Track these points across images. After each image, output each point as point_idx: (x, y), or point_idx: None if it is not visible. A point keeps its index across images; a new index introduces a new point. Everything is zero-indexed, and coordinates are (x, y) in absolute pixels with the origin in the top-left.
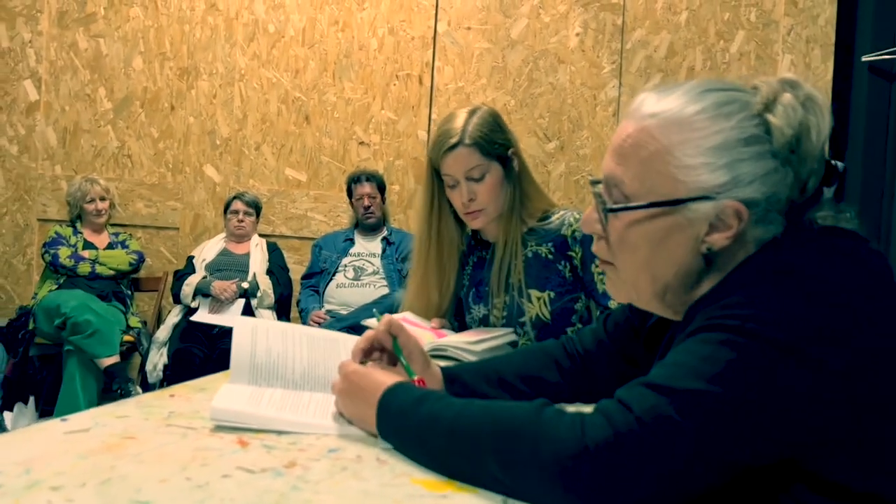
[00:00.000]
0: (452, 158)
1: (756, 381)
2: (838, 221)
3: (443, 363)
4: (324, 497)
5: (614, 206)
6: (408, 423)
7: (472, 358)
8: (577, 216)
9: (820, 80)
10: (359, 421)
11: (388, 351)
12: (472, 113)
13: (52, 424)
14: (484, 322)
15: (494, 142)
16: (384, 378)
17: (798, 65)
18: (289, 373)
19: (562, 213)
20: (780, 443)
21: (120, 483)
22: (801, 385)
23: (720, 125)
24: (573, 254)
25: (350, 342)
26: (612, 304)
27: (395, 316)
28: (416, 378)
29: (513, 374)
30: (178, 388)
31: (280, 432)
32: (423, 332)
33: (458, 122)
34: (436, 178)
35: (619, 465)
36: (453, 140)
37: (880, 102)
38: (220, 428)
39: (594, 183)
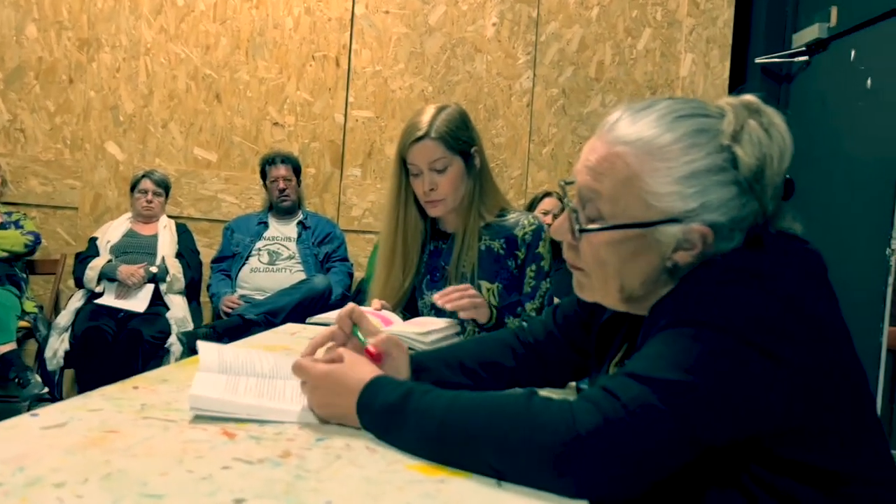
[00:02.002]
0: (418, 150)
1: (726, 371)
2: (783, 224)
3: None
4: (328, 485)
5: (589, 228)
6: (396, 418)
7: (424, 348)
8: (532, 220)
9: (718, 79)
10: (338, 419)
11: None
12: (440, 109)
13: (24, 420)
14: (436, 308)
15: (459, 138)
16: (358, 375)
17: (699, 63)
18: (258, 367)
19: (518, 214)
20: (746, 425)
21: (122, 477)
22: (764, 374)
23: (691, 156)
24: (519, 254)
25: None
26: (529, 307)
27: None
28: (368, 346)
29: (472, 360)
30: (139, 380)
31: (262, 422)
32: (372, 319)
33: (427, 116)
34: (403, 168)
35: (608, 449)
36: (420, 133)
37: (771, 102)
38: (199, 419)
39: (567, 184)
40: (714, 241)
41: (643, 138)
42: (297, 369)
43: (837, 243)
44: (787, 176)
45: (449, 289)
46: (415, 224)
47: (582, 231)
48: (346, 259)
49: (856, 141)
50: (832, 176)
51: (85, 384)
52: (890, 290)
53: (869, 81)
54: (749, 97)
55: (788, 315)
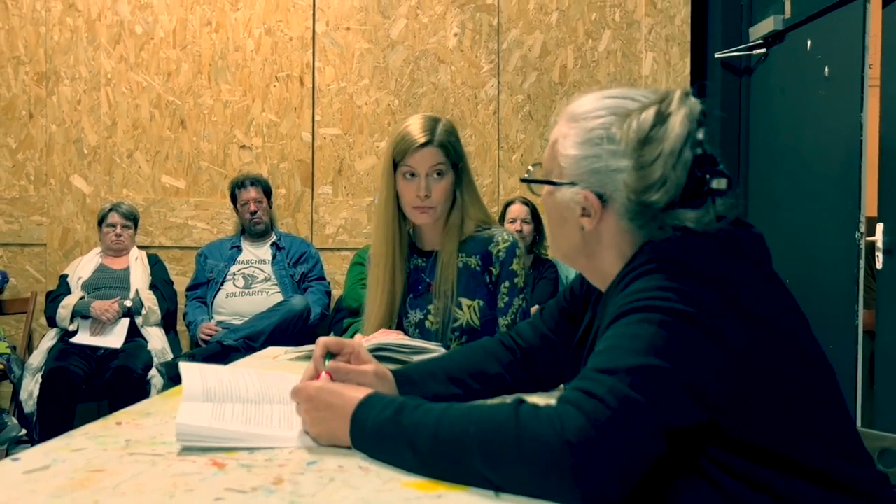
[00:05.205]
0: (421, 154)
1: (678, 348)
2: (725, 209)
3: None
4: None
5: (524, 177)
6: (388, 434)
7: (411, 356)
8: (507, 237)
9: (679, 75)
10: (329, 438)
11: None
12: (436, 120)
13: (5, 465)
14: (420, 326)
15: (456, 149)
16: (352, 392)
17: (659, 62)
18: (243, 392)
19: (495, 229)
20: (703, 402)
21: None
22: (711, 351)
23: (594, 123)
24: (493, 270)
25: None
26: (502, 323)
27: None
28: (325, 371)
29: (459, 370)
30: (122, 416)
31: (252, 450)
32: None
33: (427, 123)
34: (392, 179)
35: (599, 448)
36: (424, 139)
37: (732, 94)
38: (187, 451)
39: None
40: (618, 216)
41: (572, 107)
42: (293, 393)
43: (808, 230)
44: (728, 174)
45: (378, 332)
46: (402, 236)
47: (522, 180)
48: (322, 278)
49: (818, 127)
50: (797, 164)
51: (49, 431)
52: (862, 273)
53: (826, 69)
54: (684, 90)
55: (718, 297)
